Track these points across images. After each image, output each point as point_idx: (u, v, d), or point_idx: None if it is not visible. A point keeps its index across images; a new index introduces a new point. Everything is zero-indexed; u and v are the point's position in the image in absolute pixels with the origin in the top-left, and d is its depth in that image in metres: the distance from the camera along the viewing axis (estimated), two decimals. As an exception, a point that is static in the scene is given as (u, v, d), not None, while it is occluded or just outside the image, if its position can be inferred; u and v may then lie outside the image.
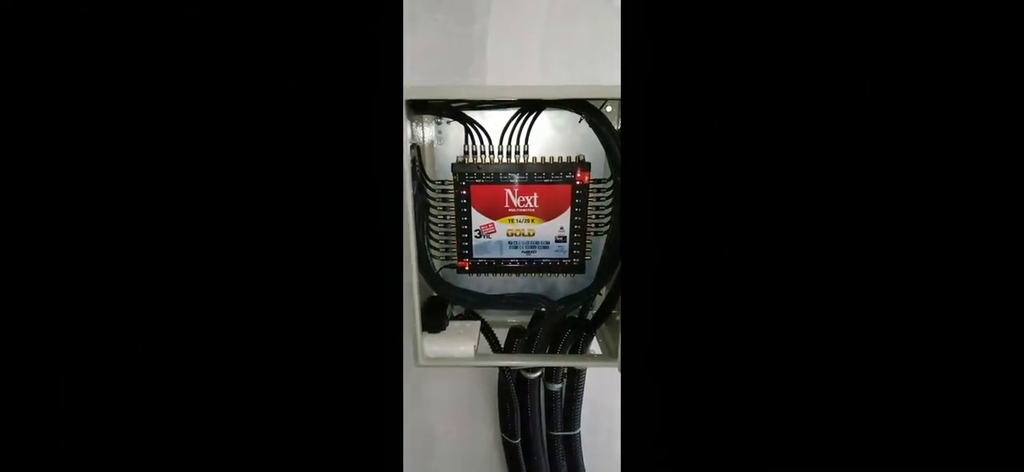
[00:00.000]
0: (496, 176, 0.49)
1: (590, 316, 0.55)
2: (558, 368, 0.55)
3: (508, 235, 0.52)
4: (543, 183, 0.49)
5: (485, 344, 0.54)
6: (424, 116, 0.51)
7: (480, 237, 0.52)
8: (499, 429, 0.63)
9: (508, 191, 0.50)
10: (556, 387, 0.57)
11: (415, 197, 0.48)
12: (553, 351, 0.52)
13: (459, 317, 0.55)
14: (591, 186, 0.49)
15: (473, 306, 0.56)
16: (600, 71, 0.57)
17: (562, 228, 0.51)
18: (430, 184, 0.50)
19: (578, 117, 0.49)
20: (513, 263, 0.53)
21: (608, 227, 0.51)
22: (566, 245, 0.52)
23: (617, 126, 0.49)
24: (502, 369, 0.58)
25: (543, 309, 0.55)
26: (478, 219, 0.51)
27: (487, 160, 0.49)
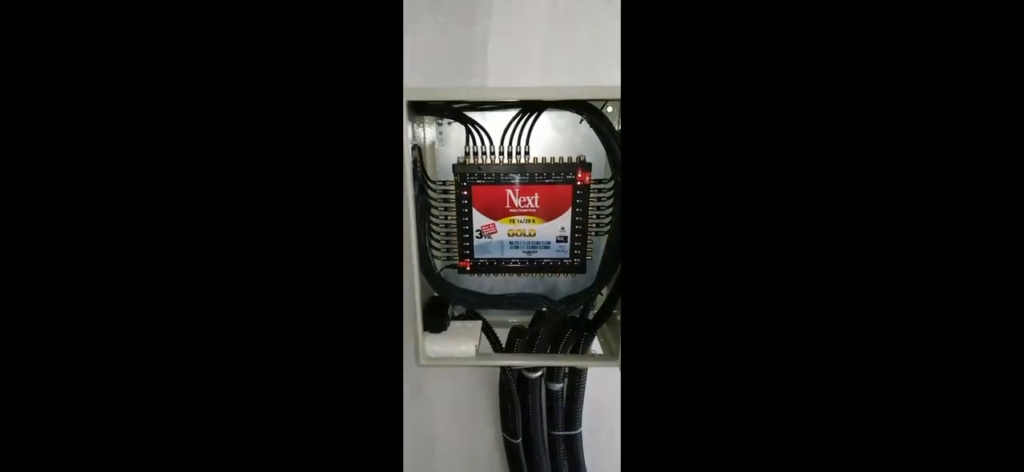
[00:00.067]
0: (497, 177, 0.49)
1: (591, 316, 0.54)
2: (559, 368, 0.55)
3: (509, 235, 0.51)
4: (544, 183, 0.49)
5: (486, 344, 0.54)
6: (425, 117, 0.50)
7: (481, 237, 0.52)
8: (500, 429, 0.63)
9: (509, 191, 0.49)
10: (557, 387, 0.56)
11: (416, 198, 0.48)
12: (554, 351, 0.52)
13: (460, 317, 0.55)
14: (592, 186, 0.49)
15: (474, 306, 0.56)
16: (601, 72, 0.57)
17: (563, 228, 0.51)
18: (431, 185, 0.50)
19: (579, 118, 0.49)
20: (514, 263, 0.53)
21: (609, 227, 0.50)
22: (567, 245, 0.52)
23: (618, 127, 0.49)
24: (503, 369, 0.57)
25: (544, 309, 0.55)
26: (479, 219, 0.51)
27: (488, 161, 0.49)
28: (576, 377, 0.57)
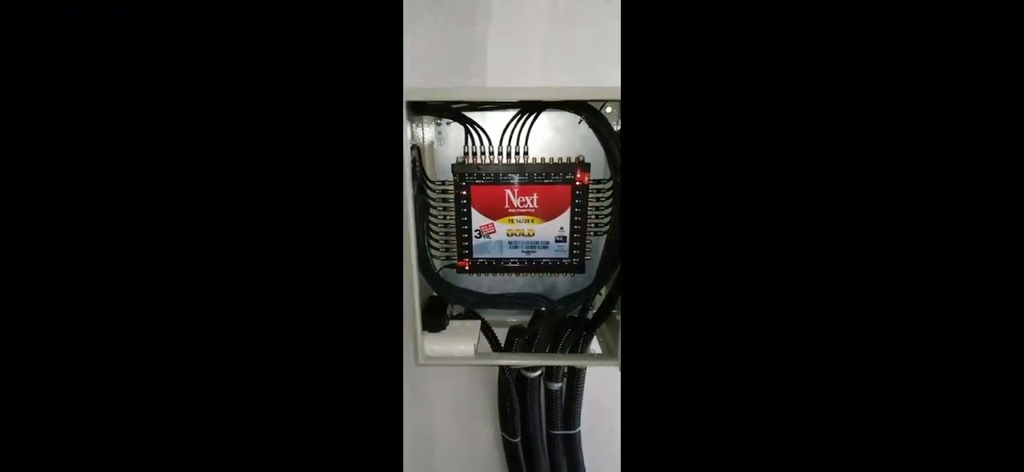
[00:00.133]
0: (496, 177, 0.49)
1: (590, 315, 0.54)
2: (558, 367, 0.55)
3: (508, 235, 0.51)
4: (543, 183, 0.49)
5: (485, 343, 0.54)
6: (424, 117, 0.50)
7: (480, 237, 0.52)
8: (499, 428, 0.62)
9: (508, 191, 0.49)
10: (556, 386, 0.56)
11: (415, 198, 0.47)
12: (553, 350, 0.52)
13: (459, 317, 0.55)
14: (591, 186, 0.49)
15: (473, 306, 0.56)
16: (600, 73, 0.57)
17: (562, 228, 0.51)
18: (430, 184, 0.50)
19: (578, 118, 0.49)
20: (513, 263, 0.53)
21: (607, 227, 0.50)
22: (566, 245, 0.52)
23: (616, 127, 0.49)
24: (502, 368, 0.57)
25: (543, 309, 0.55)
26: (478, 219, 0.51)
27: (487, 161, 0.49)
28: (575, 376, 0.57)
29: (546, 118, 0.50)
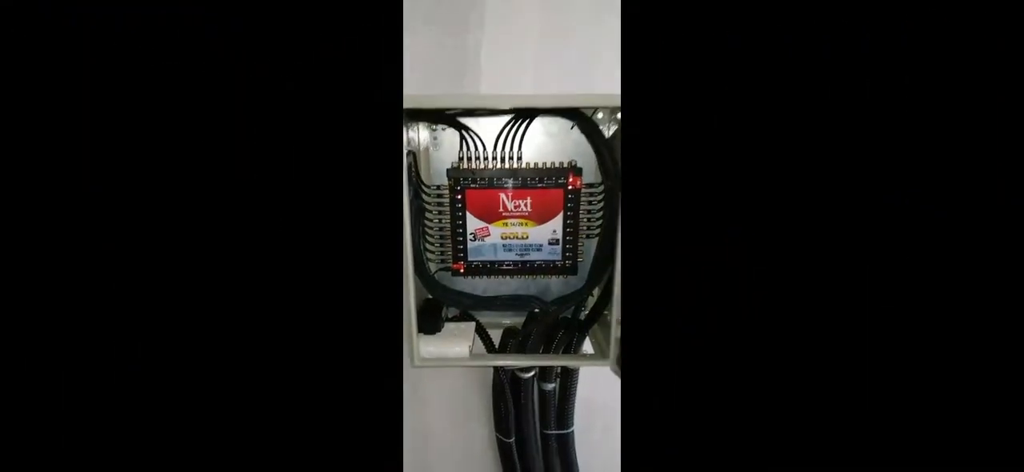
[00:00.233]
0: (490, 181, 0.49)
1: (583, 316, 0.54)
2: (552, 368, 0.55)
3: (502, 238, 0.51)
4: (536, 188, 0.49)
5: (480, 345, 0.54)
6: (419, 123, 0.50)
7: (475, 240, 0.51)
8: (494, 428, 0.62)
9: (502, 195, 0.49)
10: (550, 387, 0.56)
11: (411, 202, 0.47)
12: (547, 351, 0.52)
13: (454, 319, 0.55)
14: (583, 190, 0.49)
15: (468, 308, 0.56)
16: (592, 80, 0.57)
17: (555, 231, 0.51)
18: (425, 189, 0.50)
19: (570, 124, 0.49)
20: (507, 265, 0.53)
21: (599, 230, 0.50)
22: (559, 248, 0.52)
23: (607, 133, 0.49)
24: (497, 369, 0.57)
25: (537, 310, 0.55)
26: (473, 223, 0.51)
27: (481, 165, 0.49)
28: (568, 377, 0.57)
29: (539, 123, 0.50)
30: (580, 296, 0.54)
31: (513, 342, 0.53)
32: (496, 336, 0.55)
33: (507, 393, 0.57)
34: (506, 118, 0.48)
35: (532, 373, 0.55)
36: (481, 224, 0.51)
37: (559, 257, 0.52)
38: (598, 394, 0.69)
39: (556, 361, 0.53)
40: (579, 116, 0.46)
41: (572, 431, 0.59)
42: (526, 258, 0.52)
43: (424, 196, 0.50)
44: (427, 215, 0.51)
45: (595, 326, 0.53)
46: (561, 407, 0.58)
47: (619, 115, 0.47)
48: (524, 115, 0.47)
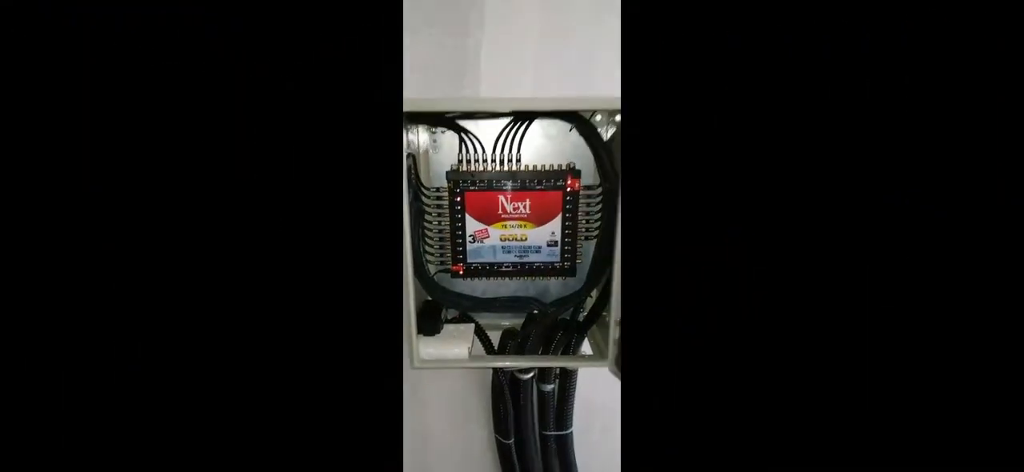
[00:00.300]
0: (489, 183, 0.49)
1: (581, 318, 0.54)
2: (550, 369, 0.54)
3: (501, 240, 0.51)
4: (535, 190, 0.49)
5: (479, 346, 0.54)
6: (419, 125, 0.50)
7: (474, 242, 0.51)
8: (493, 430, 0.62)
9: (501, 198, 0.49)
10: (549, 388, 0.56)
11: (410, 204, 0.47)
12: (545, 352, 0.51)
13: (453, 320, 0.55)
14: (581, 192, 0.49)
15: (467, 309, 0.56)
16: (591, 82, 0.57)
17: (553, 233, 0.51)
18: (425, 191, 0.50)
19: (569, 126, 0.49)
20: (506, 267, 0.53)
21: (598, 232, 0.50)
22: (557, 249, 0.52)
23: (605, 136, 0.49)
24: (496, 371, 0.57)
25: (535, 312, 0.54)
26: (472, 225, 0.51)
27: (480, 168, 0.49)
28: (567, 378, 0.56)
29: (538, 126, 0.50)
30: (579, 298, 0.54)
31: (512, 343, 0.53)
32: (495, 337, 0.55)
33: (506, 394, 0.57)
34: (505, 120, 0.48)
35: (531, 374, 0.55)
36: (480, 226, 0.51)
37: (558, 259, 0.52)
38: (597, 395, 0.69)
39: (555, 362, 0.53)
40: (577, 119, 0.46)
41: (571, 432, 0.59)
42: (525, 260, 0.52)
43: (423, 198, 0.50)
44: (426, 217, 0.51)
45: (594, 327, 0.53)
46: (560, 408, 0.57)
47: (617, 118, 0.47)
48: (523, 118, 0.47)
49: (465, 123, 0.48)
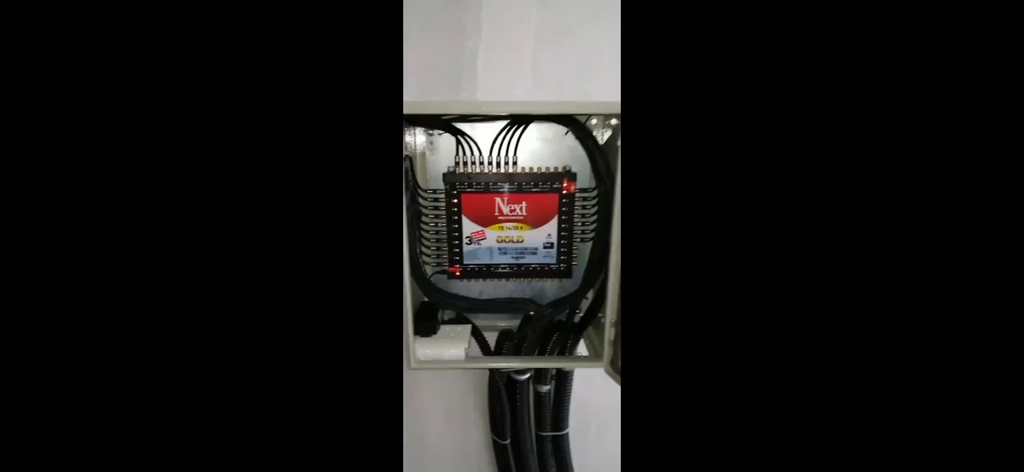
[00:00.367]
0: (486, 185, 0.49)
1: (577, 319, 0.54)
2: (547, 370, 0.55)
3: (498, 242, 0.51)
4: (531, 192, 0.49)
5: (476, 347, 0.54)
6: (416, 127, 0.50)
7: (471, 244, 0.51)
8: (489, 430, 0.62)
9: (498, 200, 0.49)
10: (545, 389, 0.56)
11: (408, 205, 0.47)
12: (542, 353, 0.52)
13: (450, 321, 0.55)
14: (577, 195, 0.50)
15: (464, 310, 0.56)
16: (587, 87, 0.58)
17: (550, 235, 0.51)
18: (422, 193, 0.50)
19: (565, 130, 0.49)
20: (503, 269, 0.53)
21: (593, 234, 0.51)
22: (554, 251, 0.52)
23: (600, 139, 0.49)
24: (492, 371, 0.57)
25: (532, 313, 0.55)
26: (469, 226, 0.51)
27: (477, 170, 0.49)
28: (563, 379, 0.57)
29: (534, 129, 0.50)
30: (575, 299, 0.54)
31: (508, 344, 0.53)
32: (492, 339, 0.55)
33: (503, 395, 0.57)
34: (502, 123, 0.48)
35: (527, 375, 0.55)
36: (477, 228, 0.51)
37: (554, 260, 0.52)
38: (593, 396, 0.69)
39: (551, 363, 0.53)
40: (573, 123, 0.47)
41: (567, 433, 0.59)
42: (521, 261, 0.52)
43: (421, 200, 0.50)
44: (423, 219, 0.51)
45: (589, 329, 0.53)
46: (556, 409, 0.58)
47: (613, 121, 0.47)
48: (520, 120, 0.48)
49: (462, 126, 0.48)
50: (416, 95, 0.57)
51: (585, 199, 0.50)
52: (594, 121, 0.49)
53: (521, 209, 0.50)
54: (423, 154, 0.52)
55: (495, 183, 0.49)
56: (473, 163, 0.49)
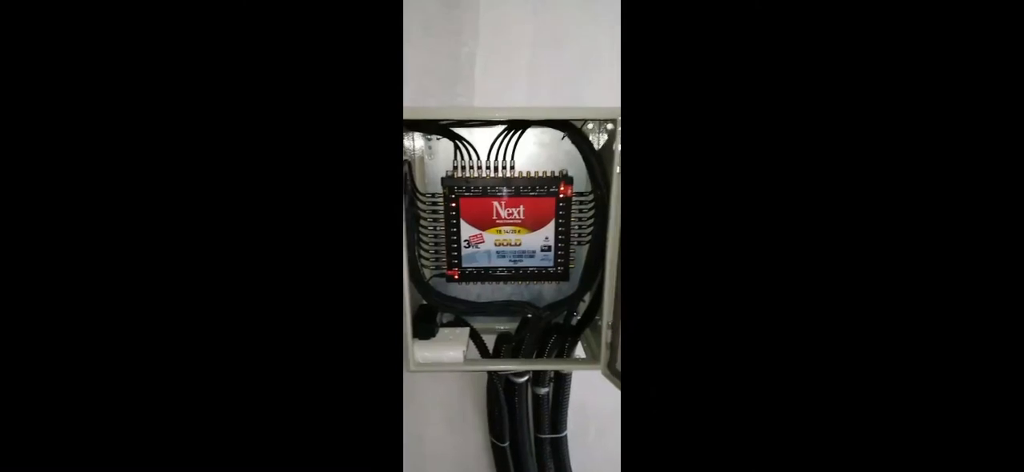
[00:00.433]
0: (484, 189, 0.49)
1: (574, 321, 0.55)
2: (545, 372, 0.55)
3: (496, 245, 0.52)
4: (529, 196, 0.49)
5: (474, 350, 0.54)
6: (415, 132, 0.51)
7: (469, 247, 0.52)
8: (488, 432, 0.62)
9: (496, 203, 0.50)
10: (543, 391, 0.56)
11: (406, 209, 0.48)
12: (540, 356, 0.52)
13: (449, 324, 0.55)
14: (574, 199, 0.50)
15: (462, 313, 0.56)
16: (583, 92, 0.58)
17: (547, 238, 0.51)
18: (421, 197, 0.50)
19: (561, 135, 0.50)
20: (501, 272, 0.53)
21: (590, 237, 0.51)
22: (551, 254, 0.52)
23: (597, 144, 0.50)
24: (491, 374, 0.57)
25: (529, 315, 0.55)
26: (467, 230, 0.51)
27: (475, 174, 0.49)
28: (561, 381, 0.57)
29: (531, 134, 0.50)
30: (572, 302, 0.54)
31: (507, 347, 0.53)
32: (490, 341, 0.55)
33: (501, 397, 0.57)
34: (499, 128, 0.48)
35: (526, 378, 0.55)
36: (475, 231, 0.51)
37: (551, 263, 0.53)
38: (592, 398, 0.69)
39: (549, 365, 0.53)
40: (570, 127, 0.47)
41: (565, 435, 0.59)
42: (519, 264, 0.53)
43: (419, 204, 0.50)
44: (422, 223, 0.51)
45: (587, 331, 0.54)
46: (554, 411, 0.58)
47: (609, 126, 0.47)
48: (517, 125, 0.48)
49: (460, 130, 0.48)
50: (414, 100, 0.57)
51: (582, 202, 0.50)
52: (590, 126, 0.50)
53: (519, 213, 0.50)
54: (421, 158, 0.52)
55: (493, 187, 0.49)
56: (471, 167, 0.49)
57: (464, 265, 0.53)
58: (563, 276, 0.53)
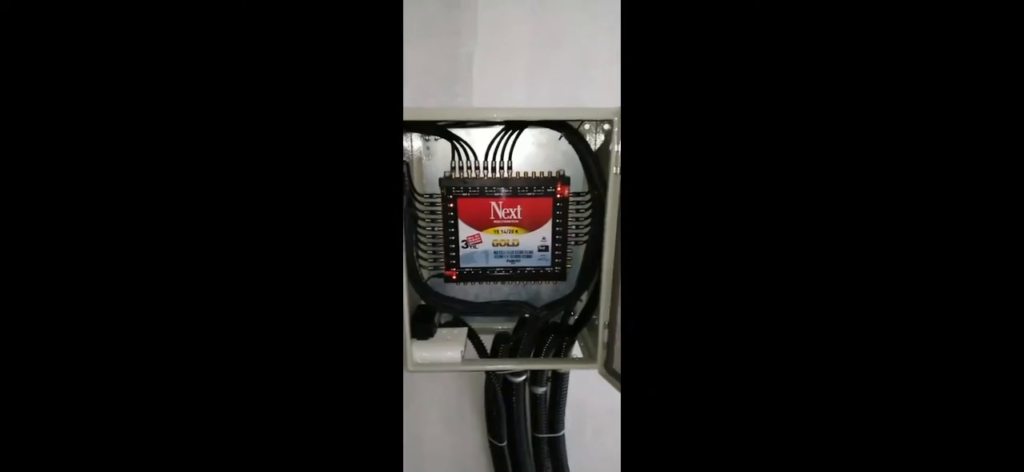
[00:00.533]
0: (482, 189, 0.49)
1: (572, 321, 0.55)
2: (543, 372, 0.55)
3: (494, 245, 0.52)
4: (526, 196, 0.49)
5: (472, 350, 0.54)
6: (413, 132, 0.51)
7: (467, 247, 0.52)
8: (486, 432, 0.62)
9: (493, 204, 0.50)
10: (541, 391, 0.56)
11: (404, 209, 0.47)
12: (537, 355, 0.52)
13: (447, 324, 0.55)
14: (571, 199, 0.50)
15: (460, 313, 0.56)
16: (580, 93, 0.58)
17: (544, 238, 0.51)
18: (419, 197, 0.50)
19: (559, 135, 0.50)
20: (498, 272, 0.53)
21: (587, 237, 0.51)
22: (548, 254, 0.52)
23: (594, 145, 0.50)
24: (489, 374, 0.57)
25: (527, 315, 0.55)
26: (465, 230, 0.51)
27: (473, 174, 0.49)
28: (559, 381, 0.57)
29: (529, 134, 0.50)
30: (569, 301, 0.54)
31: (504, 347, 0.53)
32: (488, 341, 0.55)
33: (499, 397, 0.57)
34: (497, 128, 0.48)
35: (523, 377, 0.55)
36: (473, 231, 0.51)
37: (549, 263, 0.52)
38: (589, 398, 0.69)
39: (546, 365, 0.53)
40: (567, 128, 0.47)
41: (563, 434, 0.59)
42: (517, 264, 0.52)
43: (417, 204, 0.50)
44: (420, 223, 0.51)
45: (584, 330, 0.54)
46: (552, 411, 0.58)
47: (606, 127, 0.47)
48: (515, 126, 0.48)
49: (457, 131, 0.48)
50: (413, 100, 0.57)
51: (579, 203, 0.50)
52: (587, 126, 0.50)
53: (516, 213, 0.50)
54: (419, 159, 0.52)
55: (490, 187, 0.49)
56: (469, 168, 0.49)
57: (462, 265, 0.52)
58: (560, 276, 0.53)
